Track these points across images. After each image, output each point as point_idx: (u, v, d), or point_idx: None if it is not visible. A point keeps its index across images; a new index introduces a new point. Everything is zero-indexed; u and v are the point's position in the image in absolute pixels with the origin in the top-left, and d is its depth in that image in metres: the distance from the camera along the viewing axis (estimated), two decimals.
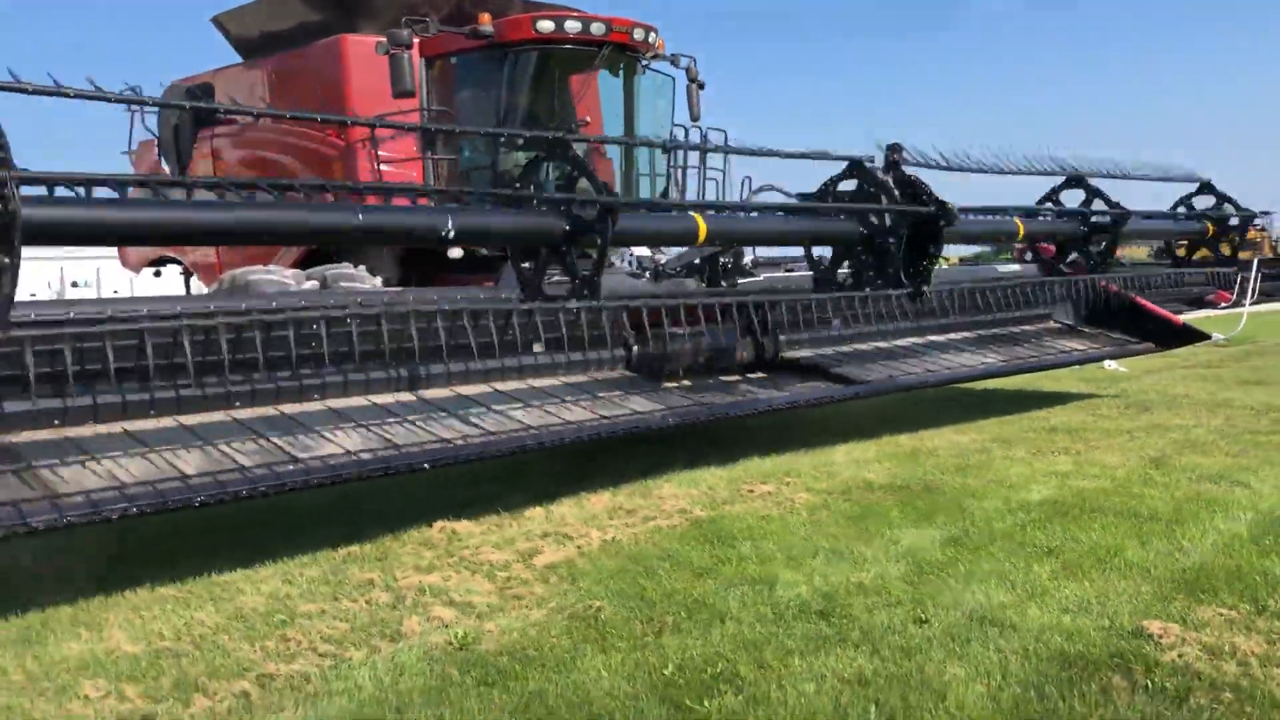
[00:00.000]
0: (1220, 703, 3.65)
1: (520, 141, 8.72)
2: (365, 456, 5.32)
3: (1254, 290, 11.42)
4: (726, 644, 4.32)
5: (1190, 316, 11.05)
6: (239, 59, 11.14)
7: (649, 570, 5.31)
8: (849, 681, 3.93)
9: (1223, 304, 11.76)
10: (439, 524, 6.22)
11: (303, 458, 5.17)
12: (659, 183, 10.23)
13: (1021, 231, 9.00)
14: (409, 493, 7.07)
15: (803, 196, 7.52)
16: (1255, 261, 12.36)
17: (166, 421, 5.20)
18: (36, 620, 4.85)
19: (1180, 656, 4.02)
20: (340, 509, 6.71)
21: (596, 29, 8.89)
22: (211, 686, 4.07)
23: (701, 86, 10.27)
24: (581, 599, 4.92)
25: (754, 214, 7.60)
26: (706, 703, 3.80)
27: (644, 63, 9.58)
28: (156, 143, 11.27)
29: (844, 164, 7.39)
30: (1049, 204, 9.69)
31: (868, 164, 7.34)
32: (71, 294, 30.78)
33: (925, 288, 7.49)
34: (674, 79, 10.20)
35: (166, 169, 11.17)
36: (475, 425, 5.86)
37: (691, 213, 6.71)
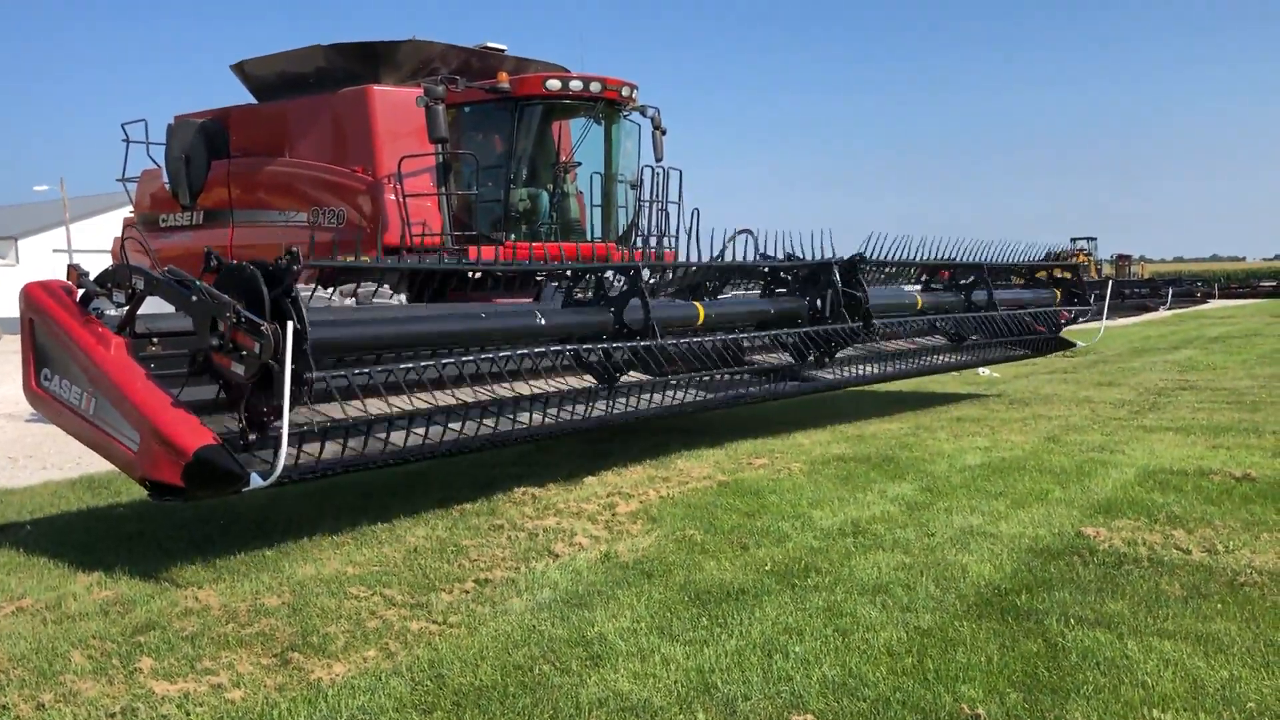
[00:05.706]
0: (1140, 566, 5.59)
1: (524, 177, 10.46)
2: None
3: (1105, 309, 13.91)
4: (800, 551, 6.06)
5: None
6: (251, 99, 12.35)
7: (709, 512, 7.01)
8: (897, 568, 5.71)
9: (1063, 321, 14.25)
10: (518, 490, 7.77)
11: None
12: (625, 214, 11.95)
13: (920, 305, 11.36)
14: (469, 474, 8.56)
15: (764, 257, 9.70)
16: (1109, 283, 14.98)
17: None
18: (267, 554, 6.23)
19: (1111, 545, 5.98)
20: (428, 484, 8.17)
21: (594, 87, 10.58)
22: (444, 586, 5.56)
23: (664, 132, 12.03)
24: (673, 531, 6.58)
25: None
26: (808, 580, 5.52)
27: (625, 113, 11.30)
28: (162, 171, 12.36)
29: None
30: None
31: (834, 263, 9.77)
32: None
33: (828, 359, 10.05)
34: (640, 125, 11.96)
35: (174, 195, 12.26)
36: None
37: (695, 303, 8.85)
